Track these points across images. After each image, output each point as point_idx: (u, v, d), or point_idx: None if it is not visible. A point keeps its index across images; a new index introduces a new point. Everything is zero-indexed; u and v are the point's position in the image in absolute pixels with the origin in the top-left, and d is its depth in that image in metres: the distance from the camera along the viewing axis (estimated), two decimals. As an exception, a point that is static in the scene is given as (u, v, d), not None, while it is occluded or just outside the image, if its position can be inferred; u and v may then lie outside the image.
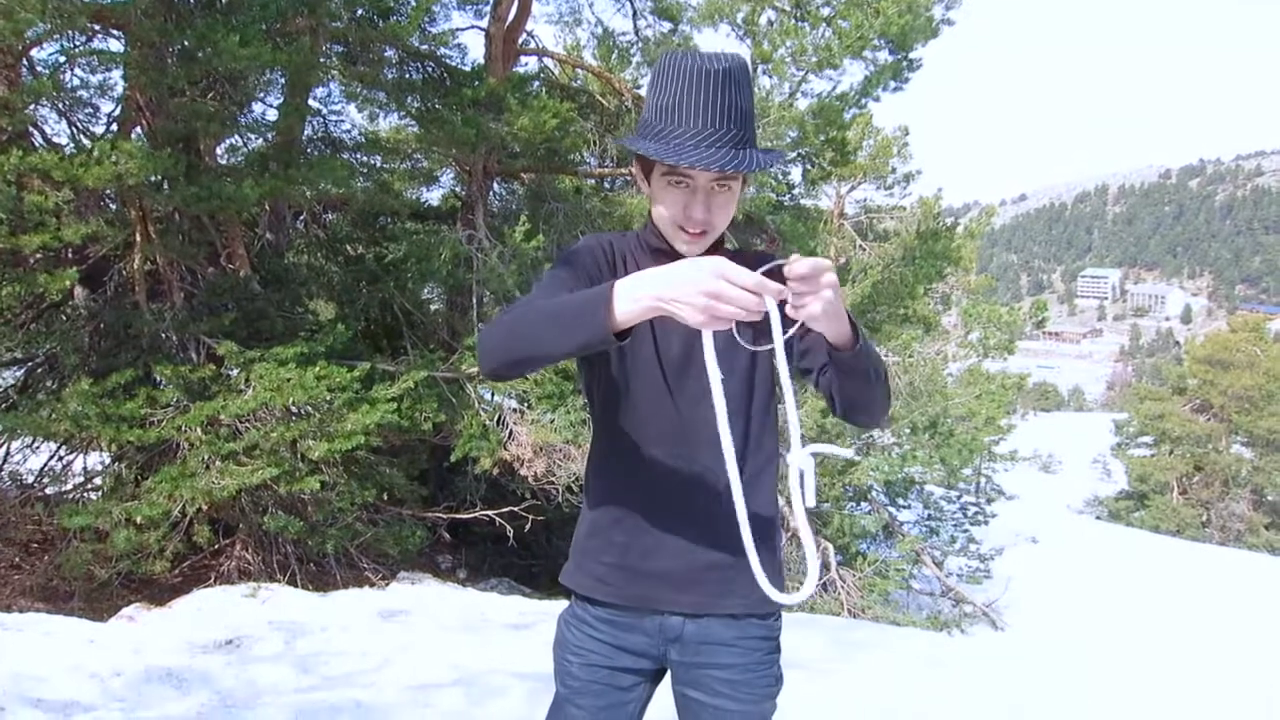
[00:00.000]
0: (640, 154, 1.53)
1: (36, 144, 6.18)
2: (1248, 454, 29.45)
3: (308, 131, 7.66)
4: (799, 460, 1.36)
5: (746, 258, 1.70)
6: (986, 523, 15.03)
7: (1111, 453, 33.15)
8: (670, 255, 1.60)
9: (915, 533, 13.04)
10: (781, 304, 1.34)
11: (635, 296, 1.28)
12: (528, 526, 7.24)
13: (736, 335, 1.47)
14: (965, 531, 14.28)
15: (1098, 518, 29.74)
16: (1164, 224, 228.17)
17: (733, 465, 1.37)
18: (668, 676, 1.73)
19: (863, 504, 12.88)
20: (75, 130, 6.60)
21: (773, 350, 1.37)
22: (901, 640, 6.67)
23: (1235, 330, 31.05)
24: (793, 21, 8.77)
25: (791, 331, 1.40)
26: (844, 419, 1.62)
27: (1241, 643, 10.19)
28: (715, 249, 1.64)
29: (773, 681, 1.66)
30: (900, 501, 14.08)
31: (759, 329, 1.55)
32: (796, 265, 1.33)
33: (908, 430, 12.29)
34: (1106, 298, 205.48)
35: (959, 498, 15.92)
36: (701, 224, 1.55)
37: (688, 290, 1.24)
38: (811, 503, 1.38)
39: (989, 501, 16.44)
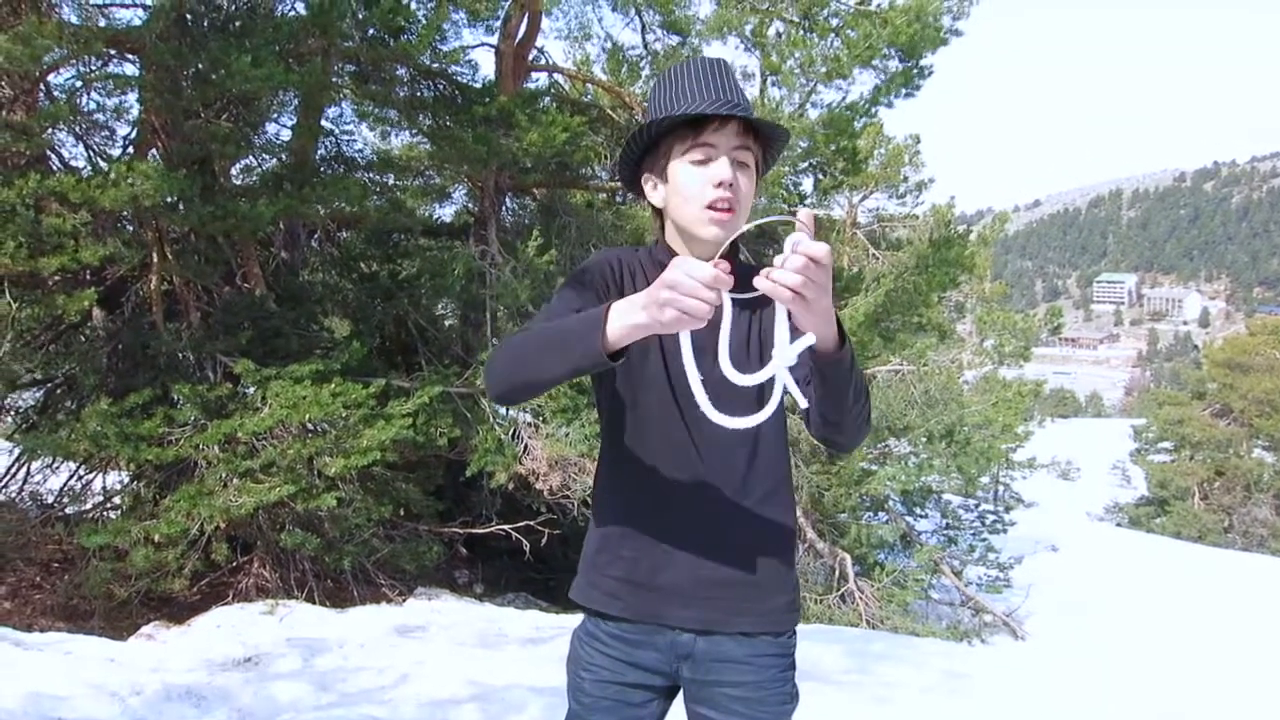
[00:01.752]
0: (658, 134, 1.57)
1: (54, 167, 6.28)
2: (1269, 458, 29.12)
3: (321, 151, 7.72)
4: (783, 358, 1.35)
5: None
6: (1005, 531, 14.86)
7: (1131, 459, 32.83)
8: None
9: (933, 542, 12.90)
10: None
11: (624, 316, 1.30)
12: (544, 540, 7.25)
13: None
14: (984, 540, 14.13)
15: (1118, 524, 29.41)
16: (1179, 227, 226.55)
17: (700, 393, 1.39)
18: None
19: (880, 514, 12.79)
20: (92, 153, 6.70)
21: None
22: (921, 651, 6.61)
23: (1254, 333, 30.82)
24: (800, 33, 8.75)
25: (801, 345, 1.35)
26: (817, 436, 1.56)
27: (1267, 650, 10.06)
28: (730, 260, 1.59)
29: (786, 699, 1.64)
30: (918, 511, 13.96)
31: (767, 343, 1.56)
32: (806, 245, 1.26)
33: (924, 439, 12.21)
34: (1123, 302, 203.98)
35: (977, 506, 15.79)
36: (730, 197, 1.53)
37: (652, 292, 1.25)
38: (805, 403, 1.45)
39: (1007, 509, 16.28)
